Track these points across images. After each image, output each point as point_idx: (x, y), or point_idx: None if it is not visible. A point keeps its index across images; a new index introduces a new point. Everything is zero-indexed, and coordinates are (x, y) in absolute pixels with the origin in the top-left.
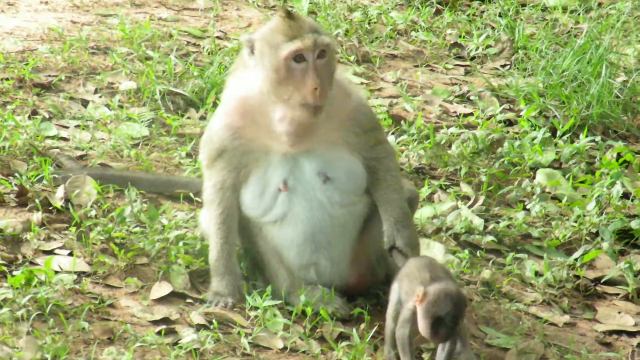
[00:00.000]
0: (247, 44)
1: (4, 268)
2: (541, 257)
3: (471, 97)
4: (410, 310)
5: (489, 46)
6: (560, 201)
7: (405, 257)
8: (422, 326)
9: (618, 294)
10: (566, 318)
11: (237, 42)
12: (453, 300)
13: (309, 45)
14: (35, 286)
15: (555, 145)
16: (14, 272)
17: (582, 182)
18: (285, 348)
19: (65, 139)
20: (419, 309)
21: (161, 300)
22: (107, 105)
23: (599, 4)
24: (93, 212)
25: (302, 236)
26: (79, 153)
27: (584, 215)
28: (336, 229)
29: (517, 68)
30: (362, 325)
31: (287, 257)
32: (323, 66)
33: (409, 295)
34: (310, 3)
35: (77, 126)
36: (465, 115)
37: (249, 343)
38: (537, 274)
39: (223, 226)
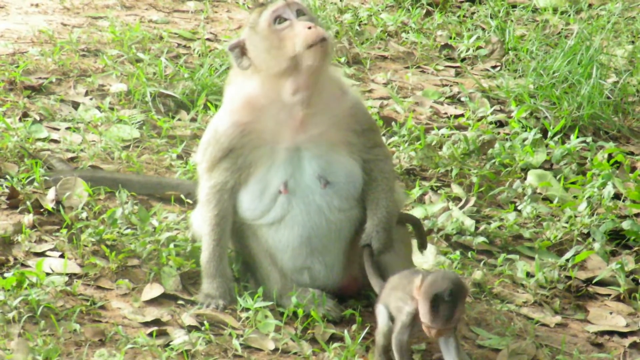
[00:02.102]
0: (237, 45)
1: None
2: (532, 258)
3: (462, 99)
4: (410, 314)
5: (479, 47)
6: (551, 202)
7: (373, 259)
8: (423, 311)
9: (609, 295)
10: (558, 319)
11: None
12: (451, 280)
13: (282, 4)
14: (26, 288)
15: (546, 146)
16: (5, 274)
17: (573, 183)
18: (276, 349)
19: (56, 141)
20: (419, 298)
21: (152, 302)
22: (98, 108)
23: (590, 5)
24: (84, 214)
25: (298, 240)
26: (70, 155)
27: (575, 216)
28: (332, 234)
29: (508, 69)
30: (354, 327)
31: (281, 259)
32: (308, 22)
33: (404, 300)
34: None
35: (68, 128)
36: (456, 117)
37: (240, 344)
38: (529, 274)
39: (217, 228)
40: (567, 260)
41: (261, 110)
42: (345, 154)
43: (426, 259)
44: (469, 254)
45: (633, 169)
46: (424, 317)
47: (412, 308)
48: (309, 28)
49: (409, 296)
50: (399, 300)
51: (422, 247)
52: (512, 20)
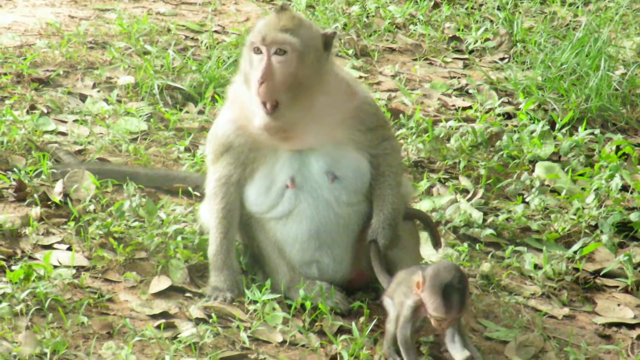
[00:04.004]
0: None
1: (3, 263)
2: (540, 250)
3: (470, 91)
4: (411, 307)
5: (487, 39)
6: (559, 194)
7: (380, 254)
8: (434, 304)
9: (617, 287)
10: (565, 311)
11: (236, 37)
12: (453, 268)
13: (259, 39)
14: (34, 281)
15: (554, 138)
16: (13, 267)
17: (581, 175)
18: (284, 342)
19: (63, 134)
20: (425, 294)
21: (160, 294)
22: (106, 100)
23: None
24: (92, 207)
25: (307, 234)
26: (78, 148)
27: (583, 208)
28: (341, 228)
29: (516, 61)
30: (362, 319)
31: (290, 253)
32: (280, 64)
33: (406, 294)
34: None
35: (76, 121)
36: (464, 109)
37: (248, 337)
38: (537, 267)
39: (224, 221)
40: (575, 252)
41: (252, 117)
42: (352, 149)
43: (433, 250)
44: (477, 246)
45: None
46: (437, 310)
47: (412, 302)
48: (259, 82)
49: (411, 290)
50: (402, 295)
51: (436, 245)
52: (520, 12)
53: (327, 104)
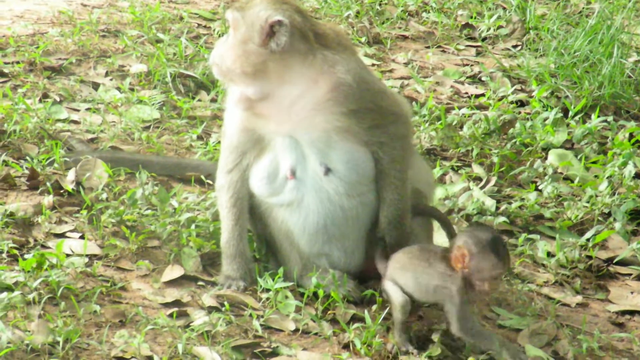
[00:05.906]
0: None
1: (16, 251)
2: (553, 238)
3: (482, 78)
4: (461, 289)
5: (500, 27)
6: (572, 182)
7: (386, 251)
8: (491, 263)
9: (630, 274)
10: (578, 299)
11: None
12: (481, 226)
13: None
14: (46, 269)
15: (567, 125)
16: (26, 256)
17: (594, 162)
18: (297, 330)
19: (76, 122)
20: (475, 262)
21: (172, 282)
22: (118, 88)
23: None
24: (104, 195)
25: (314, 227)
26: (90, 136)
27: (596, 196)
28: (349, 221)
29: (529, 49)
30: (374, 307)
31: (299, 243)
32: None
33: (443, 280)
34: None
35: (88, 109)
36: (477, 96)
37: (261, 325)
38: (549, 254)
39: (234, 209)
40: (588, 239)
41: None
42: (342, 139)
43: (446, 238)
44: None
45: None
46: (497, 266)
47: (458, 284)
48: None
49: (446, 275)
50: (441, 290)
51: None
52: (532, 0)
53: (293, 86)
